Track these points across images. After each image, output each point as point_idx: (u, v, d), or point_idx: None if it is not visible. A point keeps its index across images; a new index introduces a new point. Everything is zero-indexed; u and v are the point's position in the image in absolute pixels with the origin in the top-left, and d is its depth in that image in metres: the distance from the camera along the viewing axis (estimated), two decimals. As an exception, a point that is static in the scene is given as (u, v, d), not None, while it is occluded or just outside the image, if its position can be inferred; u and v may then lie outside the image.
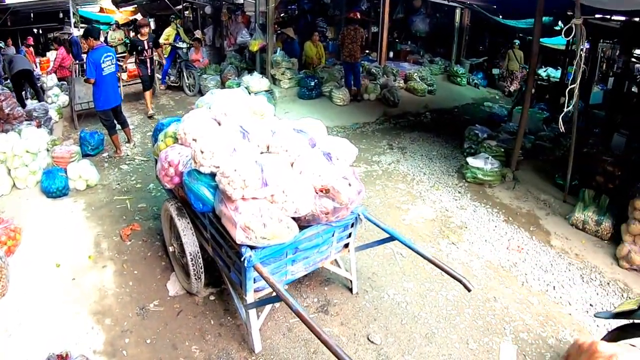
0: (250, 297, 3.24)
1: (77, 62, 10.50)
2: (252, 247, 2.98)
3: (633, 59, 10.54)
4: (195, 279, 3.75)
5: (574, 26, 5.38)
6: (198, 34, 14.44)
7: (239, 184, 2.90)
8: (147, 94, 9.78)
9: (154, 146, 4.45)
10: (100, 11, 21.11)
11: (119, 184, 6.52)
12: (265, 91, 10.21)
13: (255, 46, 11.09)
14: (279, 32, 13.33)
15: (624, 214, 5.40)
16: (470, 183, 6.95)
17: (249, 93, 7.30)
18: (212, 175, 3.23)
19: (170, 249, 4.25)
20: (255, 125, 3.74)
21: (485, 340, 3.88)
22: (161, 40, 12.58)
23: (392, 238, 3.68)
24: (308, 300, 4.16)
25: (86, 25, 14.93)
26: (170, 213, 3.89)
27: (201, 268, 3.73)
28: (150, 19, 21.53)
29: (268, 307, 3.63)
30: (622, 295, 4.78)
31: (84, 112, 9.09)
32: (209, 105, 4.25)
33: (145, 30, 9.52)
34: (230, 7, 14.49)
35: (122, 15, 21.47)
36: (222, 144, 3.27)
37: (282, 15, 15.98)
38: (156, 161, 4.15)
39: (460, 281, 3.10)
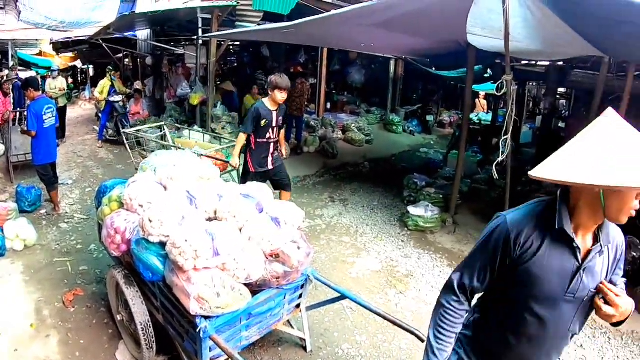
0: None
1: (18, 109, 10.21)
2: (206, 317, 2.97)
3: (558, 96, 11.24)
4: (147, 348, 3.64)
5: (505, 82, 5.71)
6: (138, 84, 14.33)
7: (190, 254, 2.91)
8: None
9: (97, 210, 4.36)
10: (39, 54, 20.59)
11: (58, 244, 6.24)
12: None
13: (195, 99, 11.15)
14: (218, 84, 13.41)
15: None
16: (412, 231, 7.15)
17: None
18: (162, 244, 3.22)
19: (119, 317, 4.12)
20: (202, 190, 3.76)
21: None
22: (96, 93, 12.48)
23: (342, 297, 3.75)
24: (263, 362, 4.13)
25: (27, 75, 14.57)
26: (117, 281, 3.80)
27: (153, 337, 3.63)
28: (89, 66, 21.21)
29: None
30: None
31: (20, 164, 8.78)
32: (154, 167, 4.22)
33: None
34: (171, 58, 14.55)
35: (61, 60, 21.02)
36: (171, 212, 3.27)
37: (222, 66, 16.15)
38: (99, 225, 4.08)
39: (412, 333, 3.20)
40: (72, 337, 4.35)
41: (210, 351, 3.15)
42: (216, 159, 6.71)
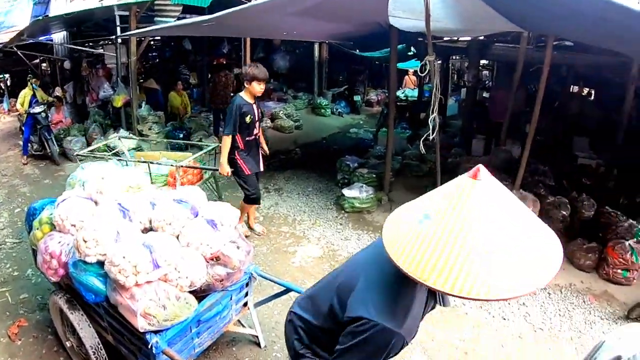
0: None
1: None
2: (155, 332, 2.97)
3: (480, 69, 11.66)
4: None
5: (427, 63, 5.91)
6: (58, 91, 13.76)
7: (130, 270, 2.89)
8: None
9: (29, 234, 4.15)
10: None
11: None
12: (134, 149, 9.90)
13: (119, 101, 10.87)
14: (141, 82, 13.10)
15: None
16: (349, 213, 7.33)
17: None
18: (100, 263, 3.16)
19: (68, 344, 3.99)
20: (134, 201, 3.70)
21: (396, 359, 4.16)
22: (17, 105, 11.30)
23: (287, 290, 3.82)
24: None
25: None
26: (60, 307, 3.69)
27: (106, 359, 3.55)
28: (5, 76, 20.07)
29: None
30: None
31: None
32: (82, 182, 4.09)
33: None
34: (90, 60, 14.04)
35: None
36: (105, 229, 3.20)
37: (143, 64, 15.76)
38: (34, 251, 3.94)
39: None
40: (24, 372, 4.12)
41: None
42: (196, 167, 6.54)
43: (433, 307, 1.96)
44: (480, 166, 1.51)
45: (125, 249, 2.99)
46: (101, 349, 3.52)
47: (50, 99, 11.88)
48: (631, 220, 6.23)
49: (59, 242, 3.47)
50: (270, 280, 3.92)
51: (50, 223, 3.79)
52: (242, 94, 5.77)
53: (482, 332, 4.71)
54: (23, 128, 11.26)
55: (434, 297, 1.93)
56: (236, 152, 5.85)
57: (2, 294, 5.36)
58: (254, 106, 5.83)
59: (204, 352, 4.13)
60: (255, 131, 5.93)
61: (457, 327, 4.74)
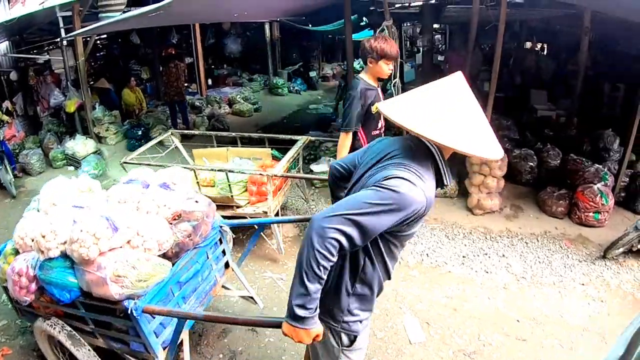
0: (161, 355, 3.02)
1: None
2: (133, 299, 2.83)
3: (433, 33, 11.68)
4: None
5: (385, 28, 5.89)
6: (7, 104, 13.27)
7: (90, 240, 2.74)
8: None
9: None
10: None
11: None
12: (93, 153, 9.54)
13: (71, 106, 10.41)
14: (91, 84, 12.72)
15: (463, 172, 6.43)
16: (319, 188, 7.28)
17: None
18: (64, 255, 2.98)
19: None
20: (88, 199, 3.54)
21: (390, 325, 4.19)
22: None
23: (261, 227, 3.88)
24: (214, 358, 3.98)
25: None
26: (49, 334, 3.43)
27: None
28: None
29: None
30: (486, 238, 5.58)
31: None
32: (36, 208, 3.81)
33: None
34: (37, 67, 13.56)
35: None
36: (61, 220, 3.07)
37: (92, 64, 15.32)
38: (4, 288, 3.67)
39: None
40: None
41: (157, 337, 3.01)
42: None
43: (442, 187, 2.09)
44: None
45: (82, 223, 2.85)
46: None
47: (5, 117, 10.69)
48: (597, 165, 6.35)
49: (24, 259, 3.22)
50: (239, 225, 4.02)
51: (14, 252, 3.52)
52: (364, 75, 4.26)
53: (467, 287, 4.72)
54: None
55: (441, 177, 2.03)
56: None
57: (-20, 324, 5.00)
58: (379, 91, 4.40)
59: (194, 346, 4.02)
60: (382, 123, 4.50)
61: (442, 285, 4.74)
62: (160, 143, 6.64)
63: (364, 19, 11.58)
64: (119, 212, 3.02)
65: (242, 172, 5.23)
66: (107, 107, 11.45)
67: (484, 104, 7.37)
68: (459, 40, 11.59)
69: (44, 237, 2.98)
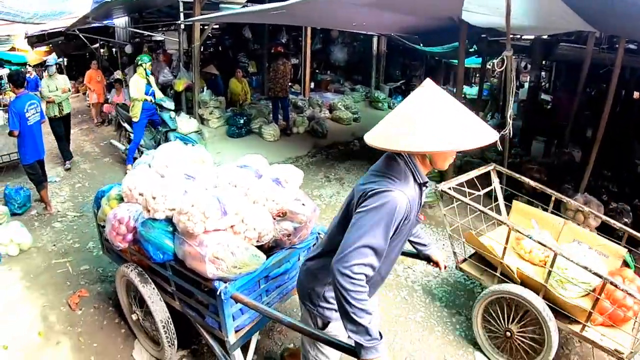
0: (232, 338, 3.10)
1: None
2: (224, 282, 2.93)
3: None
4: (169, 346, 3.54)
5: (505, 58, 5.79)
6: (118, 74, 14.04)
7: (199, 217, 2.88)
8: None
9: (96, 216, 4.19)
10: (11, 50, 19.93)
11: (54, 245, 5.93)
12: (195, 132, 9.93)
13: (180, 86, 10.97)
14: (200, 68, 13.23)
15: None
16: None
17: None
18: (168, 220, 3.19)
19: (134, 317, 3.97)
20: (199, 170, 3.72)
21: (459, 353, 4.13)
22: (135, 94, 8.31)
23: None
24: (284, 346, 4.05)
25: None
26: (129, 279, 3.66)
27: (174, 334, 3.53)
28: (64, 59, 20.49)
29: (252, 346, 3.48)
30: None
31: (4, 165, 8.52)
32: (148, 163, 4.07)
33: None
34: (151, 45, 14.30)
35: (35, 55, 20.48)
36: (173, 187, 3.26)
37: (202, 51, 15.98)
38: (99, 227, 4.02)
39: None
40: (84, 341, 4.13)
41: (233, 320, 3.10)
42: None
43: (424, 185, 2.29)
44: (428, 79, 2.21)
45: (194, 198, 3.00)
46: (170, 324, 3.51)
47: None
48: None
49: (127, 209, 3.51)
50: None
51: (118, 198, 3.85)
52: None
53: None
54: (132, 126, 8.88)
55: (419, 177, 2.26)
56: None
57: (63, 265, 5.45)
58: None
59: (268, 332, 4.16)
60: None
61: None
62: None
63: (474, 46, 11.42)
64: (230, 197, 3.12)
65: (598, 277, 3.26)
66: (212, 92, 11.91)
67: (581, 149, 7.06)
68: (568, 80, 11.16)
69: (154, 198, 3.19)
